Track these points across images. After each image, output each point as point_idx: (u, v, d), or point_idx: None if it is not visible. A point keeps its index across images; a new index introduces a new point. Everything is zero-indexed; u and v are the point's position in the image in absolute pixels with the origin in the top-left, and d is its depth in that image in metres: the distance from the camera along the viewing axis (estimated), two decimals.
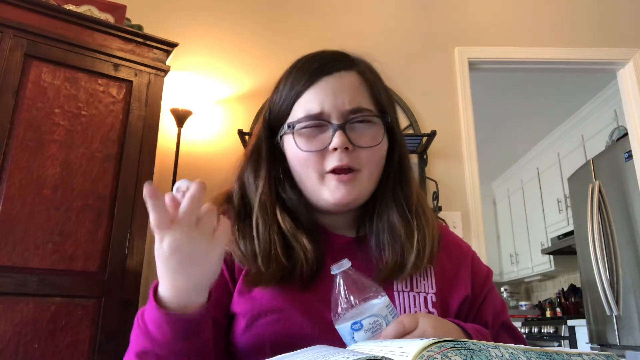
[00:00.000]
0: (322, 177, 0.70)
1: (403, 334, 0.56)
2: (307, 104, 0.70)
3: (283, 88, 0.74)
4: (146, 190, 0.51)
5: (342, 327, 0.59)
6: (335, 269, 0.61)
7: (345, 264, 0.61)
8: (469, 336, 0.64)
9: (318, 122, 0.70)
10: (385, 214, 0.74)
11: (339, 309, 0.59)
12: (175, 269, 0.54)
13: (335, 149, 0.68)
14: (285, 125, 0.72)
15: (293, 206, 0.73)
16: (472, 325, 0.66)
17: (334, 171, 0.69)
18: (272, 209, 0.72)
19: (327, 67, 0.71)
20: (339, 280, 0.60)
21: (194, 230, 0.53)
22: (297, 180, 0.73)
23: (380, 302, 0.58)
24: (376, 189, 0.75)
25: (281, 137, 0.74)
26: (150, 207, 0.51)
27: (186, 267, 0.54)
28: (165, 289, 0.57)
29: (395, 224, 0.73)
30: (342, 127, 0.68)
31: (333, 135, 0.68)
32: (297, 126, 0.71)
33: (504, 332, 0.79)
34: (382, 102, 0.74)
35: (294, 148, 0.71)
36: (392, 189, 0.75)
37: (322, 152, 0.69)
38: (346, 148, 0.68)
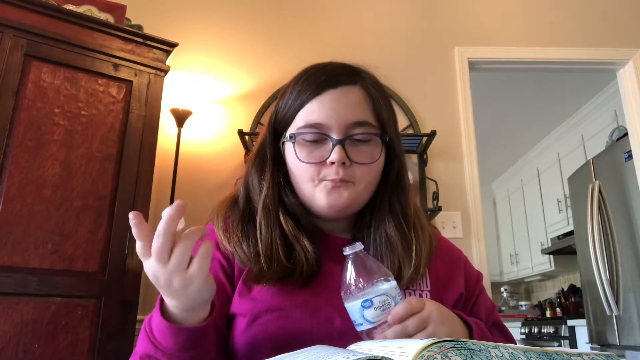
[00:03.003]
0: (317, 183, 0.72)
1: (411, 313, 0.59)
2: (310, 114, 0.72)
3: (289, 96, 0.76)
4: (131, 217, 0.52)
5: (352, 305, 0.61)
6: (347, 250, 0.63)
7: (358, 246, 0.63)
8: (468, 326, 0.66)
9: (318, 133, 0.72)
10: (382, 226, 0.76)
11: (350, 288, 0.61)
12: (162, 292, 0.57)
13: (332, 163, 0.70)
14: (287, 134, 0.74)
15: (294, 210, 0.75)
16: (470, 318, 0.68)
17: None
18: (274, 211, 0.74)
19: (334, 81, 0.73)
20: (351, 261, 0.62)
21: (168, 264, 0.53)
22: (295, 187, 0.76)
23: (389, 285, 0.61)
24: (373, 198, 0.77)
25: (283, 143, 0.77)
26: (134, 233, 0.53)
27: (169, 294, 0.56)
28: (166, 303, 0.59)
29: (392, 237, 0.75)
30: (341, 142, 0.70)
31: (332, 150, 0.70)
32: (298, 137, 0.73)
33: (496, 330, 0.81)
34: (383, 117, 0.75)
35: (293, 157, 0.73)
36: (389, 201, 0.77)
37: (320, 164, 0.72)
38: (343, 163, 0.70)
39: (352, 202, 0.72)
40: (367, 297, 0.59)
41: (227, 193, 0.83)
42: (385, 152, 0.76)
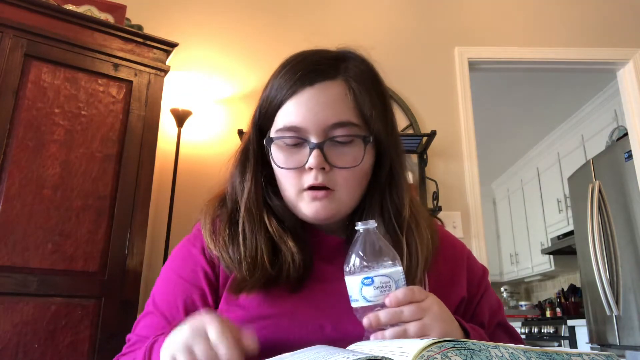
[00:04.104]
0: (299, 193, 0.69)
1: (411, 301, 0.57)
2: (288, 116, 0.68)
3: (270, 91, 0.71)
4: None
5: (352, 279, 0.59)
6: (360, 225, 0.61)
7: (371, 223, 0.61)
8: (466, 332, 0.64)
9: (296, 137, 0.68)
10: None
11: (354, 263, 0.60)
12: None
13: (311, 169, 0.67)
14: (267, 137, 0.71)
15: (278, 211, 0.72)
16: (469, 324, 0.66)
17: (311, 187, 0.67)
18: (258, 213, 0.71)
19: (311, 77, 0.68)
20: (362, 237, 0.61)
21: None
22: (279, 189, 0.72)
23: (395, 269, 0.59)
24: (364, 198, 0.73)
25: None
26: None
27: None
28: None
29: None
30: (319, 146, 0.66)
31: (310, 154, 0.66)
32: (276, 141, 0.69)
33: (500, 332, 0.78)
34: (367, 113, 0.69)
35: (273, 162, 0.70)
36: (381, 202, 0.72)
37: (299, 170, 0.68)
38: (322, 168, 0.66)
39: (336, 211, 0.69)
40: (369, 275, 0.58)
41: (214, 193, 0.79)
42: (375, 149, 0.71)
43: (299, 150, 0.68)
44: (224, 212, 0.74)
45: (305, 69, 0.69)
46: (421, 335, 0.56)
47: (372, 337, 0.57)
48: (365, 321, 0.57)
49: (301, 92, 0.68)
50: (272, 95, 0.70)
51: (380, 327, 0.57)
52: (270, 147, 0.70)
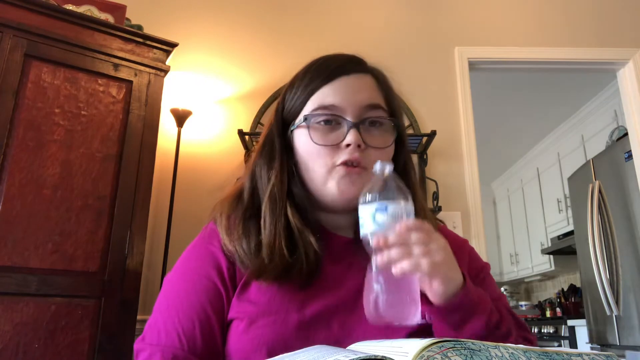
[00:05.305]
0: (330, 170, 0.71)
1: (419, 229, 0.59)
2: (324, 97, 0.72)
3: (299, 84, 0.75)
4: None
5: (367, 207, 0.62)
6: (378, 165, 0.64)
7: (388, 165, 0.64)
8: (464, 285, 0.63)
9: (333, 116, 0.72)
10: None
11: (370, 195, 0.62)
12: None
13: (348, 145, 0.70)
14: (301, 117, 0.73)
15: (301, 201, 0.74)
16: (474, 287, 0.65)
17: (344, 163, 0.70)
18: (281, 201, 0.72)
19: (345, 68, 0.74)
20: (378, 175, 0.64)
21: None
22: (305, 176, 0.74)
23: (409, 204, 0.62)
24: None
25: (292, 131, 0.75)
26: None
27: None
28: None
29: None
30: (356, 126, 0.70)
31: (347, 132, 0.70)
32: (313, 120, 0.72)
33: (503, 310, 0.78)
34: (394, 105, 0.77)
35: (306, 141, 0.72)
36: None
37: (335, 147, 0.71)
38: (359, 146, 0.70)
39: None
40: (384, 203, 0.61)
41: (229, 190, 0.80)
42: (395, 141, 0.76)
43: (334, 130, 0.72)
44: (239, 208, 0.76)
45: (340, 62, 0.76)
46: (425, 254, 0.57)
47: (378, 257, 0.59)
48: (374, 240, 0.59)
49: (337, 80, 0.73)
50: (303, 87, 0.75)
51: (387, 248, 0.59)
52: (308, 127, 0.72)
